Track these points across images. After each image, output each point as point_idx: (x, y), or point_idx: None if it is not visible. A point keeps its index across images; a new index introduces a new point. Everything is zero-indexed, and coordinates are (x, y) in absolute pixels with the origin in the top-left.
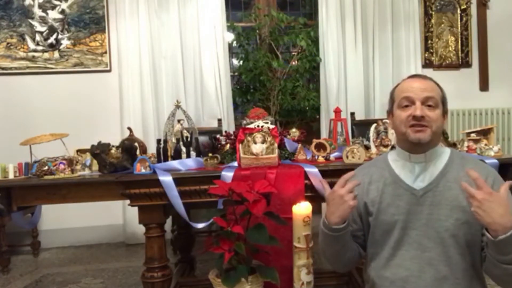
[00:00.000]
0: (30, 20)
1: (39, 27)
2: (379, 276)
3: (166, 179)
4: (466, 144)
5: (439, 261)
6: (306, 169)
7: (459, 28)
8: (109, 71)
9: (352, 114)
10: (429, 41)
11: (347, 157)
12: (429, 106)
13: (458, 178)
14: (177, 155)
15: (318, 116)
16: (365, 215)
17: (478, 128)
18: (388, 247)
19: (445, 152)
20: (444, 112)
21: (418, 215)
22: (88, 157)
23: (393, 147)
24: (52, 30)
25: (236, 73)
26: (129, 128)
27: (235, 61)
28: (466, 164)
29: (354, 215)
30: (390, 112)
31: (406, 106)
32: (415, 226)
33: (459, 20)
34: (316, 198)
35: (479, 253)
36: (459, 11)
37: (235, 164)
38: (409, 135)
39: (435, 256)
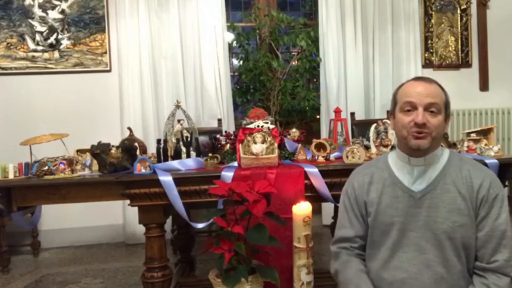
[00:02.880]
0: (30, 20)
1: (39, 27)
2: (377, 278)
3: (166, 179)
4: (466, 144)
5: (437, 263)
6: (306, 169)
7: (459, 28)
8: (109, 71)
9: (352, 114)
10: (429, 41)
11: (347, 157)
12: (432, 112)
13: (456, 181)
14: (177, 155)
15: (318, 116)
16: (365, 216)
17: (478, 128)
18: (386, 249)
19: (444, 154)
20: (447, 116)
21: (416, 217)
22: (88, 157)
23: (393, 147)
24: (52, 30)
25: (236, 73)
26: (129, 128)
27: (235, 61)
28: (464, 166)
29: (360, 222)
30: (392, 113)
31: (409, 110)
32: (413, 228)
33: (459, 20)
34: (316, 198)
35: (475, 254)
36: (459, 11)
37: (235, 164)
38: (409, 141)
39: (433, 257)
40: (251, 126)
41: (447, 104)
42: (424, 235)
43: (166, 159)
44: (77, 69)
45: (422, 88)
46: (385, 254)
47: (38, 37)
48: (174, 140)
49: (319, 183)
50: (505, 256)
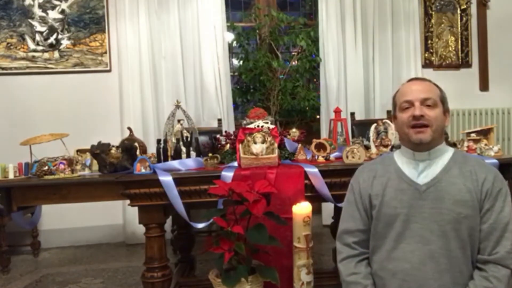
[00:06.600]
0: (30, 20)
1: (39, 27)
2: (381, 268)
3: (166, 179)
4: (466, 144)
5: (440, 254)
6: (306, 169)
7: (459, 28)
8: (109, 71)
9: (352, 114)
10: (429, 41)
11: (347, 157)
12: (428, 106)
13: (461, 174)
14: (177, 155)
15: (318, 116)
16: (369, 209)
17: (478, 128)
18: (390, 240)
19: (449, 151)
20: (445, 110)
21: (420, 209)
22: (88, 157)
23: (393, 147)
24: (52, 30)
25: (236, 73)
26: (129, 128)
27: (235, 61)
28: (469, 162)
29: (363, 216)
30: (394, 116)
31: (407, 108)
32: (417, 219)
33: (459, 20)
34: (316, 198)
35: (478, 246)
36: (459, 11)
37: (235, 164)
38: (411, 136)
39: (437, 249)
40: (251, 126)
41: (443, 99)
42: (429, 226)
43: (166, 159)
44: (77, 69)
45: (416, 86)
46: (389, 245)
47: (38, 37)
48: (174, 140)
49: (319, 183)
50: (507, 248)
